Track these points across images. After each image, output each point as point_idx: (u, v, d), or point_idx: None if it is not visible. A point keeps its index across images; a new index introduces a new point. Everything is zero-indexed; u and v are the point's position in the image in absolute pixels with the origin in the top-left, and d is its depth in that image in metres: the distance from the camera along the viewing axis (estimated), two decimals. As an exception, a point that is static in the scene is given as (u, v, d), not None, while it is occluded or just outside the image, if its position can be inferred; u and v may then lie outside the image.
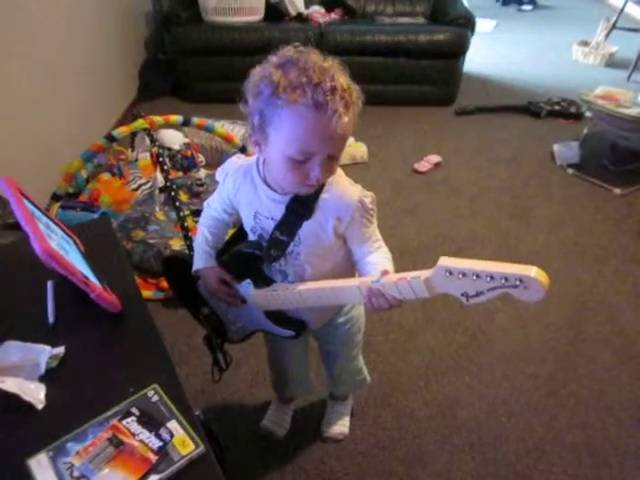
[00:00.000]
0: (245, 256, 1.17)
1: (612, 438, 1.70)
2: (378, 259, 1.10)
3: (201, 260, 1.24)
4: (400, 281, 0.94)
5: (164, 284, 2.15)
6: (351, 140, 3.13)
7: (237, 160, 1.17)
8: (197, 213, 2.50)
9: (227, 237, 1.31)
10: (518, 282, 0.78)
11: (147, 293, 2.13)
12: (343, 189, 1.08)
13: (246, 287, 1.22)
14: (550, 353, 2.00)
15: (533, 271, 0.78)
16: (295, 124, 0.91)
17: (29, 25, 2.37)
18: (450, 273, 0.84)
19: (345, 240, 1.13)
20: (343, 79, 0.93)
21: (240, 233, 1.25)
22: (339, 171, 1.10)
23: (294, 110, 0.90)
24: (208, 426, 1.55)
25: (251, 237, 1.17)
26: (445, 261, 0.85)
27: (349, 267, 1.18)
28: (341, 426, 1.69)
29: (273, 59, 0.94)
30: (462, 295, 0.85)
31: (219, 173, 1.19)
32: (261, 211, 1.11)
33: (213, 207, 1.24)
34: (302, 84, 0.89)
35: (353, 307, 1.37)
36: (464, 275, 0.83)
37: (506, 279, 0.79)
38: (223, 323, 1.38)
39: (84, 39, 2.95)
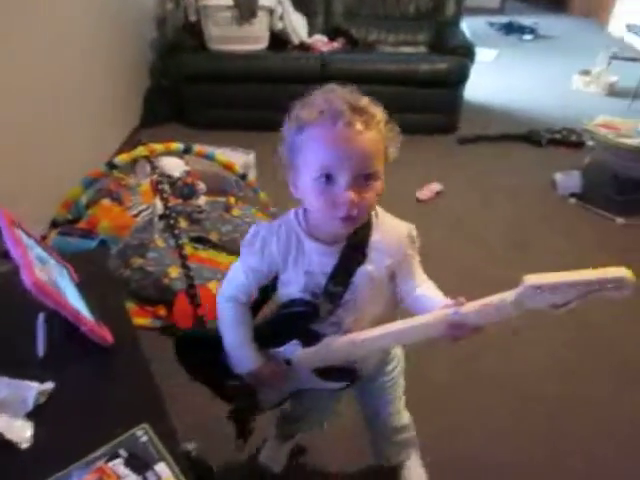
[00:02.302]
0: (295, 317, 1.09)
1: (614, 466, 1.67)
2: (431, 291, 1.09)
3: (251, 361, 1.16)
4: (484, 307, 0.93)
5: (161, 312, 2.12)
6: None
7: (268, 224, 1.09)
8: (196, 240, 2.49)
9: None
10: (611, 285, 0.81)
11: (144, 321, 2.10)
12: (391, 227, 1.06)
13: (291, 349, 1.15)
14: (551, 377, 1.99)
15: (624, 272, 0.80)
16: (314, 141, 0.92)
17: (30, 51, 2.39)
18: (540, 290, 0.85)
19: (392, 277, 1.10)
20: (366, 102, 0.95)
21: (262, 298, 1.19)
22: (379, 209, 1.08)
23: (313, 128, 0.92)
24: (202, 461, 1.52)
25: (302, 296, 1.08)
26: (532, 280, 0.85)
27: (392, 307, 1.14)
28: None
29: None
30: (551, 306, 0.86)
31: (250, 242, 1.07)
32: (312, 268, 1.05)
33: (241, 292, 1.13)
34: (321, 105, 0.92)
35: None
36: (555, 289, 0.84)
37: (600, 283, 0.82)
38: (254, 391, 1.27)
39: (86, 65, 2.98)
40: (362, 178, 0.93)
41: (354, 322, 1.10)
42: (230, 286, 1.14)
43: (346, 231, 1.00)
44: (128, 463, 0.84)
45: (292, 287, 1.08)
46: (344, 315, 1.09)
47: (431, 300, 1.04)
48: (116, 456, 0.85)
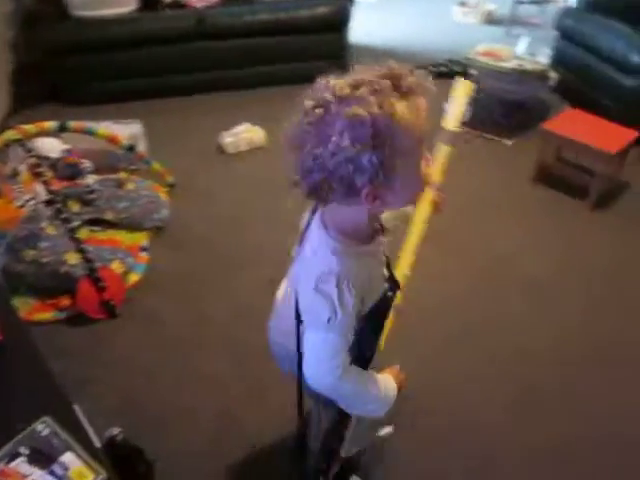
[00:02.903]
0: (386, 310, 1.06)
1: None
2: None
3: (392, 384, 1.12)
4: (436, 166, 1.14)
5: (64, 302, 2.01)
6: (247, 125, 3.05)
7: (331, 279, 0.92)
8: (92, 222, 2.35)
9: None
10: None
11: (46, 315, 1.98)
12: None
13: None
14: (469, 307, 2.10)
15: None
16: (404, 125, 0.81)
17: None
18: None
19: None
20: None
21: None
22: None
23: (394, 119, 0.79)
24: (129, 444, 1.48)
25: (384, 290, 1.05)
26: (450, 124, 1.19)
27: None
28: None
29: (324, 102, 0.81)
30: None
31: (339, 309, 0.92)
32: (380, 266, 1.05)
33: (347, 355, 1.00)
34: (379, 93, 0.79)
35: None
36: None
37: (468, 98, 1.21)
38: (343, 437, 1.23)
39: None
40: None
41: None
42: (338, 359, 1.00)
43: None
44: (31, 460, 0.80)
45: (376, 293, 1.03)
46: None
47: None
48: (17, 455, 0.80)
